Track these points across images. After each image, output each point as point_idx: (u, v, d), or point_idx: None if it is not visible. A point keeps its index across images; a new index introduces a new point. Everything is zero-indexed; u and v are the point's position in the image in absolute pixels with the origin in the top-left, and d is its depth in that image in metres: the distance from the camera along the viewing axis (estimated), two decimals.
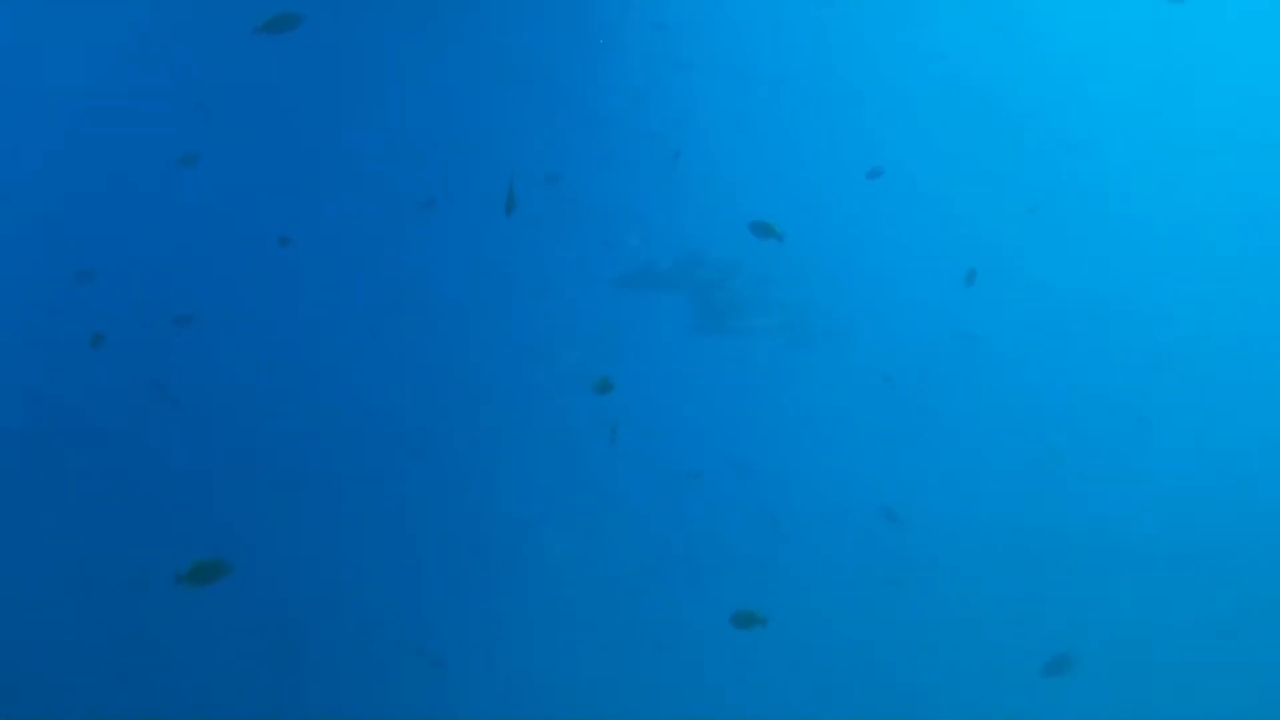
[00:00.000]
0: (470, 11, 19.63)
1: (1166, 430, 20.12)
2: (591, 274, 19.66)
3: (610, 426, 15.40)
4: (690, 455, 17.82)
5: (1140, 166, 21.75)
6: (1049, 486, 19.17)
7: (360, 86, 19.12)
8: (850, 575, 17.24)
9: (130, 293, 17.53)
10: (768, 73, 21.50)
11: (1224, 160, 21.85)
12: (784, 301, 20.14)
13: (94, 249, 17.75)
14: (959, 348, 20.45)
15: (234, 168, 18.30)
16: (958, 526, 18.16)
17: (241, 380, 17.36)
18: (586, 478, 17.37)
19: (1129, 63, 21.38)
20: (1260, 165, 21.87)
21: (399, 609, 15.38)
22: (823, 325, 20.30)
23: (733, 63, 21.30)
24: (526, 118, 19.73)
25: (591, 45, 20.06)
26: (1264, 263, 21.44)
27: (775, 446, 18.92)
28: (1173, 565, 17.94)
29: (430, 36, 19.34)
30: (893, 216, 21.13)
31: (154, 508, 15.46)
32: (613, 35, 20.31)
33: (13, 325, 17.43)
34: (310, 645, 14.66)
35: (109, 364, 16.44)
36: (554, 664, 15.03)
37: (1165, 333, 21.09)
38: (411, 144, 19.16)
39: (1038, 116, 21.31)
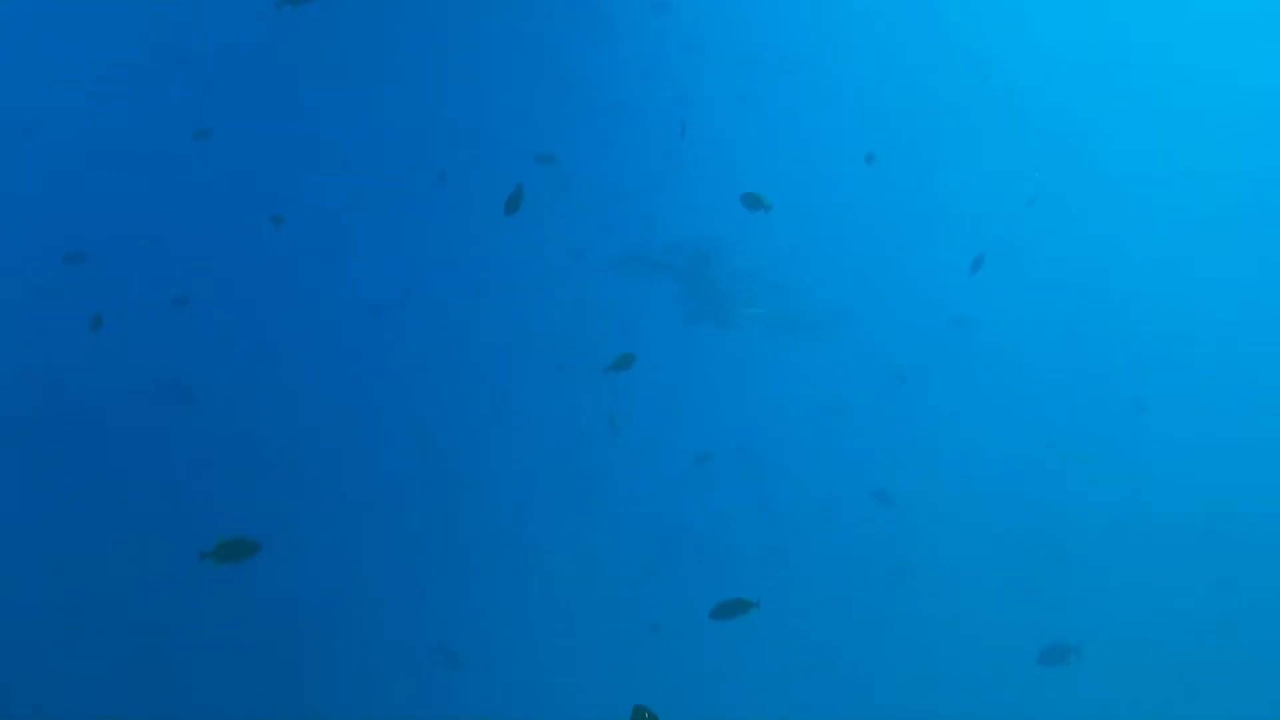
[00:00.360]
0: None
1: (1165, 416, 20.10)
2: (590, 258, 19.55)
3: (610, 417, 15.32)
4: (693, 442, 17.78)
5: (1139, 153, 21.64)
6: (1048, 473, 19.20)
7: (363, 69, 18.92)
8: (849, 561, 17.28)
9: (130, 275, 17.41)
10: (772, 56, 21.32)
11: (1225, 147, 21.76)
12: (782, 287, 20.05)
13: (89, 231, 17.59)
14: (956, 335, 20.41)
15: (236, 149, 18.12)
16: (955, 514, 18.19)
17: (246, 366, 17.28)
18: (587, 465, 17.37)
19: (1132, 49, 21.25)
20: (1259, 152, 21.78)
21: (406, 602, 15.38)
22: (821, 312, 20.24)
23: (737, 45, 21.11)
24: (529, 98, 19.57)
25: (596, 27, 19.88)
26: (1264, 250, 21.38)
27: (775, 433, 18.92)
28: (1171, 550, 17.99)
29: (433, 19, 19.15)
30: (892, 202, 21.00)
31: (156, 500, 15.39)
32: (616, 16, 20.12)
33: (10, 308, 17.28)
34: (318, 638, 14.61)
35: (108, 348, 16.31)
36: (556, 652, 15.07)
37: (1165, 319, 21.05)
38: (413, 126, 19.02)
39: (1041, 105, 21.18)
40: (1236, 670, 16.11)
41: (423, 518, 16.55)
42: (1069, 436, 19.79)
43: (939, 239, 20.48)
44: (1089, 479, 19.14)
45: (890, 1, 21.57)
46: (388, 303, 18.76)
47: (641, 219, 19.77)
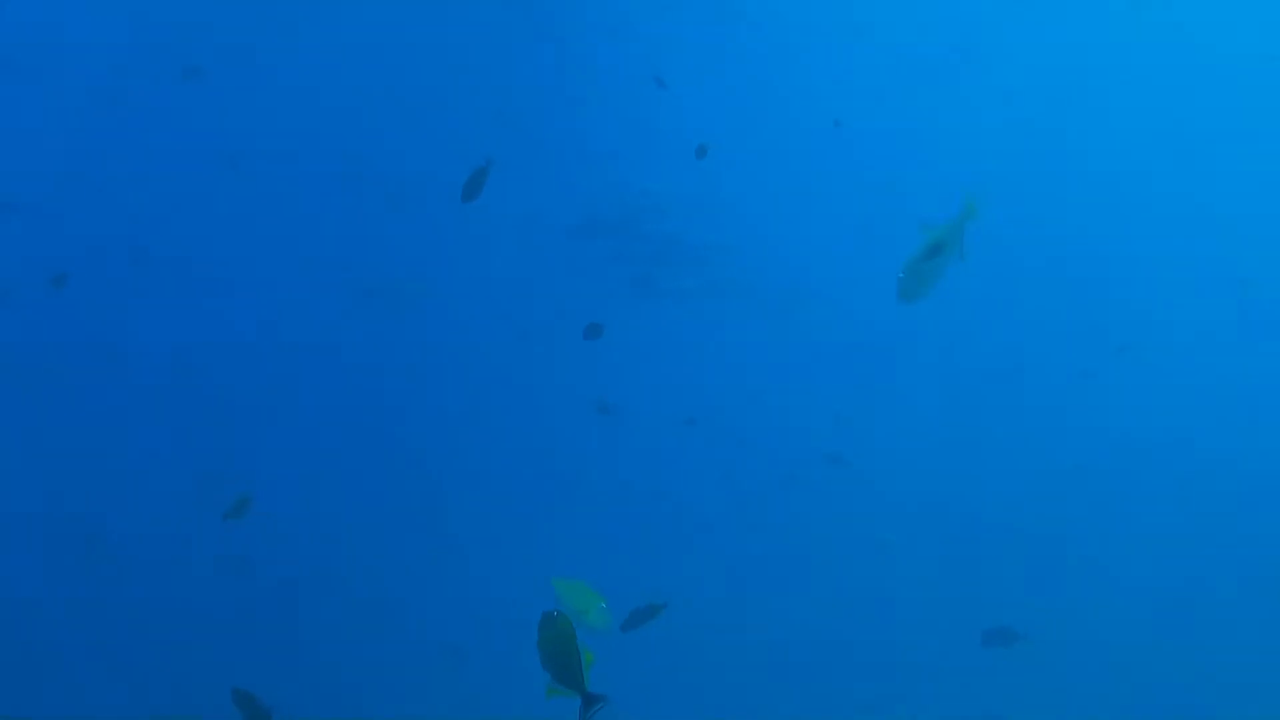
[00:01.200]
0: None
1: (1112, 384, 20.47)
2: (549, 221, 19.33)
3: (598, 403, 15.49)
4: (659, 413, 17.94)
5: (1106, 129, 21.71)
6: (997, 442, 19.62)
7: (321, 27, 18.15)
8: (810, 533, 17.65)
9: (86, 229, 16.86)
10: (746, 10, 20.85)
11: (1187, 121, 21.85)
12: (729, 254, 20.07)
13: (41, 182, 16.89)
14: (903, 308, 20.57)
15: (201, 95, 17.37)
16: (910, 488, 18.55)
17: (207, 332, 16.96)
18: (551, 441, 17.51)
19: (1107, 32, 21.19)
20: (1215, 128, 21.93)
21: (394, 591, 15.42)
22: (776, 281, 20.36)
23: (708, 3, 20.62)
24: (492, 56, 19.10)
25: None
26: (1207, 221, 21.71)
27: (734, 404, 19.18)
28: (1121, 521, 18.57)
29: None
30: (849, 170, 20.94)
31: (143, 480, 15.15)
32: None
33: None
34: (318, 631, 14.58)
35: (68, 305, 15.81)
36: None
37: (1114, 289, 21.32)
38: (372, 89, 18.43)
39: (1011, 84, 21.08)
40: (1188, 637, 16.56)
41: (394, 496, 16.57)
42: (1019, 404, 20.25)
43: (895, 210, 20.49)
44: (1040, 448, 19.52)
45: None
46: (353, 262, 18.48)
47: (604, 183, 19.56)
